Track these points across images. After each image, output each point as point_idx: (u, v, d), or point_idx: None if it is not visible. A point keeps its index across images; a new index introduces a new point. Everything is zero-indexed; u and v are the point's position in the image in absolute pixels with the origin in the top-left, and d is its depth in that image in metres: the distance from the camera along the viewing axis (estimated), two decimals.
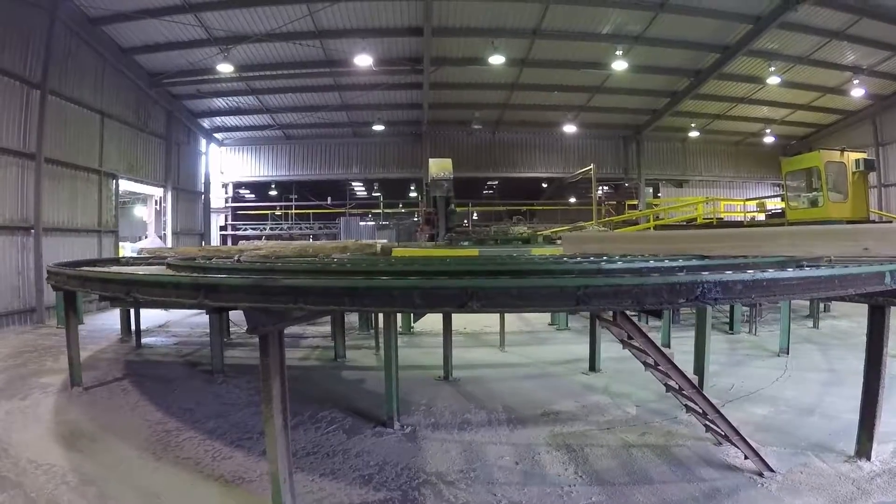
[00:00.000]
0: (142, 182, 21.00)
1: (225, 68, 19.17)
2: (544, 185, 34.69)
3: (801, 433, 6.05)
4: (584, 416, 7.01)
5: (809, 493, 4.72)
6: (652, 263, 6.33)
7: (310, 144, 28.79)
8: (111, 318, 13.67)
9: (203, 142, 26.83)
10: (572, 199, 34.40)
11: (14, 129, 13.66)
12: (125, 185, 19.78)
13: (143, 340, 11.48)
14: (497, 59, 19.84)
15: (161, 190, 22.62)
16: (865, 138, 26.22)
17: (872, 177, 20.79)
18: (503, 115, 27.14)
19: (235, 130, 27.92)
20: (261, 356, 4.36)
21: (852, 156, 17.49)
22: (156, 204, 23.04)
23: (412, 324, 12.48)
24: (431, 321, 10.72)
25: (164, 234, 22.62)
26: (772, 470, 5.09)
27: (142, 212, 27.00)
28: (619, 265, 6.40)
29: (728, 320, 12.30)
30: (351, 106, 25.15)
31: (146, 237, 22.55)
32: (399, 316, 9.63)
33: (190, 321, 14.06)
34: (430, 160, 19.31)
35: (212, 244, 24.73)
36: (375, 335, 11.04)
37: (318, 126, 27.38)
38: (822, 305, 12.76)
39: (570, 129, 27.60)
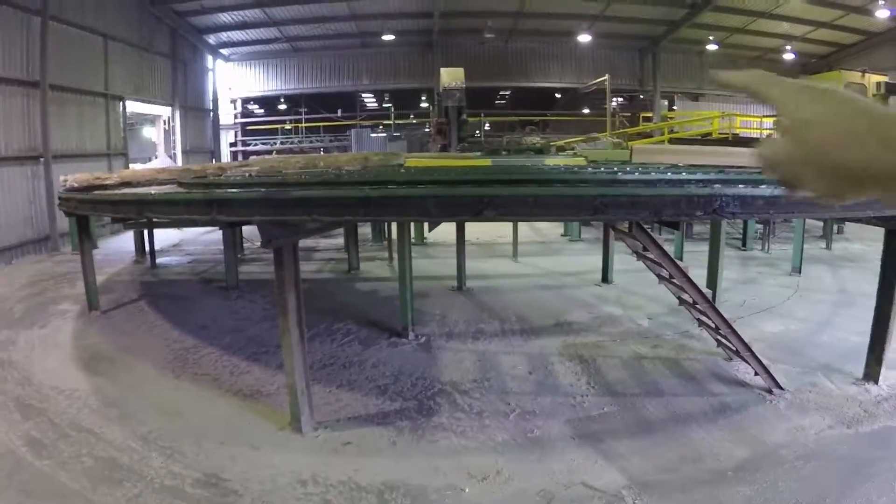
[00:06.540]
0: (149, 102, 20.60)
1: None
2: (558, 96, 33.86)
3: (810, 353, 6.03)
4: (596, 328, 7.07)
5: (816, 413, 4.74)
6: (669, 175, 6.22)
7: (318, 56, 28.04)
8: (125, 241, 13.64)
9: (209, 58, 26.19)
10: (586, 110, 33.63)
11: (17, 58, 13.29)
12: (132, 107, 19.44)
13: (158, 260, 11.52)
14: None
15: (169, 109, 22.20)
16: (888, 61, 24.82)
17: (893, 101, 20.17)
18: (517, 24, 26.14)
19: (242, 45, 27.13)
20: (275, 269, 4.37)
21: (873, 78, 17.26)
22: (164, 124, 22.64)
23: (425, 234, 12.49)
24: (444, 232, 10.70)
25: (174, 153, 22.38)
26: (781, 388, 5.11)
27: (151, 133, 26.71)
28: (636, 176, 6.30)
29: (741, 237, 12.21)
30: (359, 16, 24.33)
31: (156, 157, 22.25)
32: (412, 226, 9.63)
33: (203, 239, 14.13)
34: (442, 69, 18.76)
35: (222, 161, 24.46)
36: (389, 246, 11.09)
37: (326, 38, 26.49)
38: (835, 227, 12.60)
39: (584, 38, 26.58)
